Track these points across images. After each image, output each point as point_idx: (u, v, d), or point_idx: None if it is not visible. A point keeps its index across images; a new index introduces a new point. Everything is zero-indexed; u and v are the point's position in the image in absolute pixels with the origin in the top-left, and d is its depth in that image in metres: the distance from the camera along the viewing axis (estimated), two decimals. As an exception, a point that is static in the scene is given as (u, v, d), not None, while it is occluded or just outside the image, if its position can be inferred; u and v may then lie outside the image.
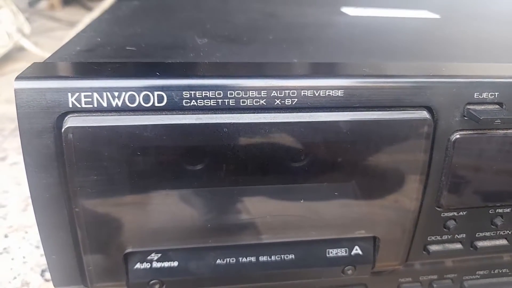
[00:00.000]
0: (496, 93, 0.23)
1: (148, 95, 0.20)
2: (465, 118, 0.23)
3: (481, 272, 0.30)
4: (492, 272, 0.30)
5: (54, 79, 0.20)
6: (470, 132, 0.23)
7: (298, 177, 0.22)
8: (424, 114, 0.22)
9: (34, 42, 0.88)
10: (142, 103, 0.20)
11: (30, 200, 0.22)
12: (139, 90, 0.20)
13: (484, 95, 0.23)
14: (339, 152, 0.22)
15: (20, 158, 0.42)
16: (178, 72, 0.21)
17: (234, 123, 0.21)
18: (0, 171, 0.49)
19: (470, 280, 0.30)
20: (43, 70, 0.21)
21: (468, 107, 0.22)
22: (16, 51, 0.87)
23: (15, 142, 0.56)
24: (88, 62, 0.23)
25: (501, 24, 0.40)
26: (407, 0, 0.51)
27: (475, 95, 0.22)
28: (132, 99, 0.20)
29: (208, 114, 0.21)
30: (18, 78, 0.20)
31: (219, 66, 0.23)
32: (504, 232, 0.27)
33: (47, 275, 0.34)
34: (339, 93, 0.21)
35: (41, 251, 0.35)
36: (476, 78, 0.23)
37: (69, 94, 0.20)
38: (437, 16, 0.41)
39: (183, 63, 0.23)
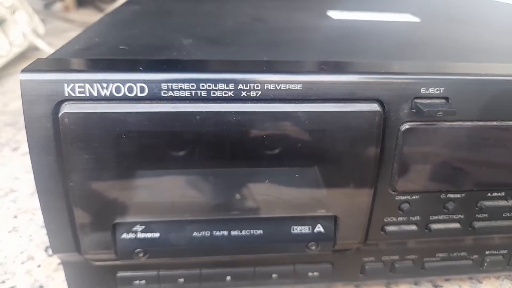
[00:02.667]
0: (442, 89, 0.26)
1: (131, 87, 0.23)
2: (413, 110, 0.26)
3: (441, 255, 0.32)
4: (451, 255, 0.33)
5: (53, 72, 0.23)
6: (417, 123, 0.26)
7: (262, 161, 0.26)
8: (375, 106, 0.25)
9: (48, 43, 0.93)
10: (126, 93, 0.24)
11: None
12: (124, 82, 0.23)
13: (430, 90, 0.25)
14: (299, 140, 0.25)
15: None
16: (158, 67, 0.24)
17: (205, 112, 0.24)
18: (13, 160, 0.54)
19: (430, 262, 0.32)
20: (45, 64, 0.25)
21: (416, 101, 0.25)
22: (30, 51, 0.92)
23: (27, 135, 0.60)
24: (83, 58, 0.26)
25: (475, 27, 0.43)
26: (396, 5, 0.54)
27: (422, 90, 0.25)
28: (118, 89, 0.23)
29: (183, 103, 0.24)
30: (23, 71, 0.23)
31: (194, 62, 0.26)
32: (456, 216, 0.29)
33: (50, 251, 0.38)
34: (298, 86, 0.24)
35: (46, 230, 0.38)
36: (423, 75, 0.25)
37: (65, 85, 0.23)
38: (417, 19, 0.44)
39: (164, 60, 0.26)
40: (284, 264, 0.31)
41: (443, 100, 0.26)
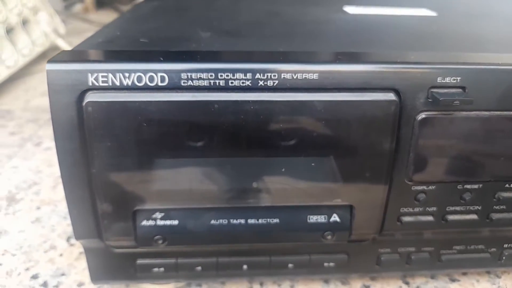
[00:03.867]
0: (458, 78, 0.26)
1: (152, 76, 0.24)
2: (429, 100, 0.26)
3: (458, 247, 0.32)
4: (468, 247, 0.32)
5: (78, 62, 0.24)
6: (434, 112, 0.26)
7: (279, 150, 0.26)
8: (391, 96, 0.25)
9: (68, 42, 0.96)
10: (148, 82, 0.24)
11: (60, 179, 0.25)
12: (145, 72, 0.24)
13: (447, 79, 0.25)
14: (315, 129, 0.26)
15: (52, 144, 0.47)
16: (178, 58, 0.25)
17: (223, 101, 0.25)
18: (35, 155, 0.55)
19: (447, 254, 0.32)
20: (70, 55, 0.26)
21: (432, 90, 0.25)
22: (52, 50, 0.94)
23: (49, 130, 0.61)
24: (106, 50, 0.27)
25: (492, 20, 0.43)
26: (413, 1, 0.53)
27: (438, 79, 0.25)
28: (139, 79, 0.24)
29: (202, 92, 0.24)
30: (49, 61, 0.24)
31: (213, 53, 0.27)
32: (473, 208, 0.29)
33: (72, 240, 0.39)
34: (315, 76, 0.25)
35: (68, 221, 0.40)
36: (439, 65, 0.25)
37: (89, 75, 0.24)
38: (434, 14, 0.44)
39: (184, 51, 0.27)
40: (300, 254, 0.31)
41: (460, 90, 0.26)
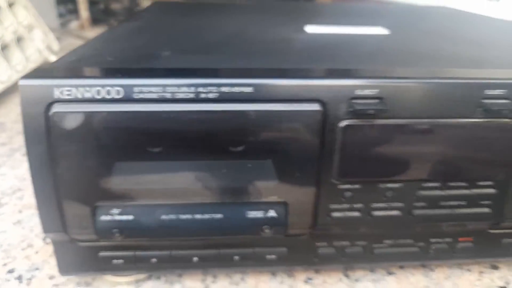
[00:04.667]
0: (376, 90, 0.30)
1: (109, 90, 0.28)
2: (350, 109, 0.30)
3: (388, 241, 0.36)
4: (397, 241, 0.36)
5: (46, 78, 0.28)
6: (354, 120, 0.30)
7: (220, 154, 0.30)
8: (316, 106, 0.30)
9: (61, 58, 1.00)
10: (105, 95, 0.28)
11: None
12: (103, 86, 0.28)
13: (365, 91, 0.30)
14: (251, 136, 0.30)
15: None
16: (133, 74, 0.29)
17: (170, 111, 0.29)
18: (23, 163, 0.59)
19: (378, 248, 0.36)
20: (41, 72, 0.30)
21: (352, 101, 0.30)
22: (44, 66, 0.99)
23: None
24: (73, 67, 0.31)
25: (438, 37, 0.47)
26: (373, 19, 0.58)
27: (357, 91, 0.30)
28: (98, 92, 0.28)
29: (152, 104, 0.29)
30: (22, 78, 0.28)
31: (163, 70, 0.31)
32: (396, 205, 0.33)
33: (48, 240, 0.43)
34: (250, 89, 0.29)
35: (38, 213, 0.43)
36: (358, 79, 0.30)
37: (55, 89, 0.28)
38: (387, 32, 0.49)
39: (139, 68, 0.31)
40: (245, 247, 0.35)
41: (377, 100, 0.30)
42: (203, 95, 0.29)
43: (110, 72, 0.30)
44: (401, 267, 0.40)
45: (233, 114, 0.29)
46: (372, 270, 0.39)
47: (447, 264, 0.40)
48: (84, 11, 1.35)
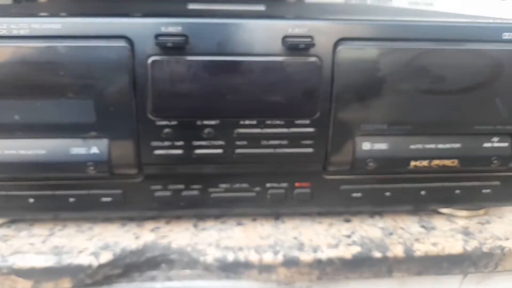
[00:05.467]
0: (180, 28, 0.32)
1: None
2: (156, 46, 0.32)
3: (224, 185, 0.37)
4: (233, 186, 0.37)
5: None
6: (162, 57, 0.32)
7: (37, 90, 0.32)
8: (122, 42, 0.31)
9: None
10: None
11: None
12: None
13: (170, 29, 0.32)
14: (65, 72, 0.31)
15: None
16: None
17: (-19, 44, 0.30)
18: None
19: (215, 192, 0.37)
20: None
21: (158, 38, 0.31)
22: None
23: None
24: None
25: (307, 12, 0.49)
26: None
27: (162, 28, 0.31)
28: None
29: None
30: None
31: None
32: (217, 143, 0.34)
33: None
34: (58, 26, 0.31)
35: None
36: (162, 18, 0.32)
37: None
38: (263, 8, 0.51)
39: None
40: (81, 189, 0.36)
41: (183, 38, 0.32)
42: (15, 32, 0.31)
43: None
44: (254, 220, 0.41)
45: (42, 50, 0.31)
46: (222, 222, 0.40)
47: (299, 217, 0.41)
48: None
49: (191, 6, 0.50)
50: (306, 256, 0.36)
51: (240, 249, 0.36)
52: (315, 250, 0.37)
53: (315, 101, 0.33)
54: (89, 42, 0.31)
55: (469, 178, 0.38)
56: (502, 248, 0.38)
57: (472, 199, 0.39)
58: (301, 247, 0.37)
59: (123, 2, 0.58)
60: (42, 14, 0.32)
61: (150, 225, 0.39)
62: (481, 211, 0.41)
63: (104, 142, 0.33)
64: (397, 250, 0.37)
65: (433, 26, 0.33)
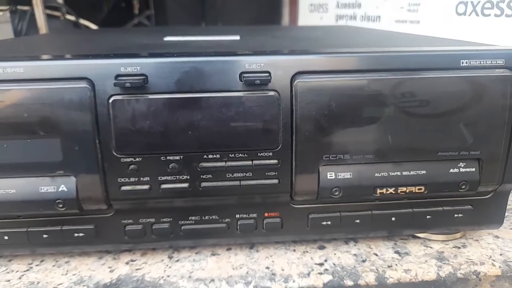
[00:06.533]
0: (138, 67, 0.32)
1: None
2: (116, 86, 0.32)
3: (194, 218, 0.37)
4: (203, 218, 0.37)
5: None
6: (122, 96, 0.32)
7: (6, 131, 0.33)
8: (83, 83, 0.32)
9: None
10: None
11: None
12: None
13: (129, 69, 0.32)
14: (27, 113, 0.32)
15: None
16: None
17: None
18: None
19: (186, 224, 0.37)
20: None
21: (118, 78, 0.32)
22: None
23: None
24: None
25: (278, 41, 0.50)
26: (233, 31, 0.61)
27: (121, 69, 0.32)
28: None
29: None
30: None
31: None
32: (182, 177, 0.35)
33: None
34: (21, 70, 0.32)
35: None
36: (121, 58, 0.32)
37: None
38: (238, 38, 0.51)
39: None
40: (54, 225, 0.36)
41: (142, 77, 0.32)
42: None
43: None
44: (228, 249, 0.41)
45: (6, 93, 0.32)
46: (197, 252, 0.40)
47: (273, 245, 0.41)
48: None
49: (167, 38, 0.51)
50: (277, 287, 0.36)
51: (212, 280, 0.37)
52: (286, 280, 0.37)
53: (276, 133, 0.34)
54: (51, 85, 0.32)
55: (438, 203, 0.37)
56: (477, 274, 0.37)
57: (445, 224, 0.39)
58: (272, 277, 0.37)
59: (114, 34, 0.60)
60: (7, 57, 0.33)
61: (126, 257, 0.40)
62: (458, 235, 0.41)
63: (72, 180, 0.34)
64: (369, 278, 0.37)
65: (390, 56, 0.33)
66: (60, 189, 0.34)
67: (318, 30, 0.66)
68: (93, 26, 1.39)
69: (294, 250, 0.41)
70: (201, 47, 0.41)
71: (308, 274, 0.37)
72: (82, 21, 1.44)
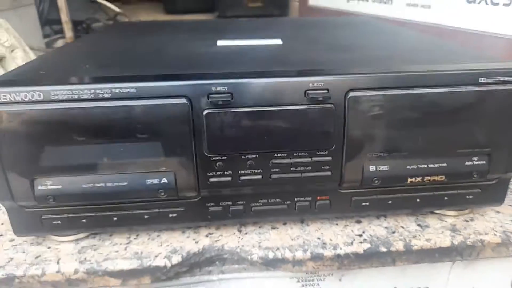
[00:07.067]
0: (226, 87, 0.41)
1: (33, 94, 0.40)
2: (209, 102, 0.41)
3: (262, 201, 0.47)
4: (269, 201, 0.47)
5: (-10, 89, 0.40)
6: (213, 109, 0.41)
7: (122, 138, 0.41)
8: (183, 100, 0.41)
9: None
10: (30, 97, 0.40)
11: None
12: (28, 91, 0.40)
13: (219, 88, 0.41)
14: (139, 125, 0.41)
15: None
16: (50, 82, 0.41)
17: (76, 107, 0.40)
18: None
19: (255, 206, 0.47)
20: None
21: (210, 95, 0.41)
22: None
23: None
24: (10, 79, 0.43)
25: (315, 45, 0.58)
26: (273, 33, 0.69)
27: (213, 88, 0.41)
28: (25, 96, 0.40)
29: (65, 103, 0.40)
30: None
31: (79, 78, 0.42)
32: (257, 171, 0.44)
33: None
34: (133, 90, 0.40)
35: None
36: (212, 79, 0.41)
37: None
38: (280, 42, 0.59)
39: (55, 77, 0.43)
40: (152, 209, 0.46)
41: (229, 95, 0.41)
42: (101, 95, 0.40)
43: (35, 80, 0.42)
44: (284, 224, 0.51)
45: (123, 109, 0.41)
46: (260, 226, 0.51)
47: (320, 220, 0.51)
48: (68, 31, 1.47)
49: (220, 43, 0.59)
50: (328, 253, 0.47)
51: (278, 249, 0.47)
52: (335, 248, 0.47)
53: (331, 137, 0.43)
54: (158, 101, 0.41)
55: (454, 188, 0.48)
56: (482, 241, 0.48)
57: (458, 203, 0.49)
58: (324, 245, 0.47)
59: (166, 36, 0.67)
60: (122, 77, 0.41)
61: (204, 231, 0.50)
62: (467, 211, 0.51)
63: (172, 174, 0.44)
64: (399, 245, 0.47)
65: (420, 75, 0.42)
66: (162, 181, 0.44)
67: (346, 27, 0.74)
68: (113, 7, 1.43)
69: (337, 224, 0.51)
70: (254, 55, 0.50)
71: (351, 243, 0.48)
72: (100, 0, 1.49)
